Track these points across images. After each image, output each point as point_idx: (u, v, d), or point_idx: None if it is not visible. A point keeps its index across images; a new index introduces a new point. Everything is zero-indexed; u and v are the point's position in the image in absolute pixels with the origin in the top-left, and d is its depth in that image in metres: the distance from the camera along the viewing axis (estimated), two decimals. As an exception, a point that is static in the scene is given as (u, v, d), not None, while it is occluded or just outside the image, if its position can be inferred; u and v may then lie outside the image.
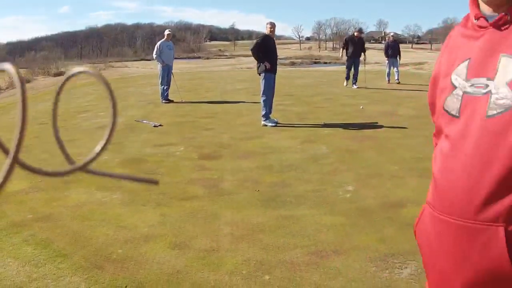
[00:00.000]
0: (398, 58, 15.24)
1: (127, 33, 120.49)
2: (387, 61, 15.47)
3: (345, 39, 14.75)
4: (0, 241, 3.62)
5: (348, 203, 4.47)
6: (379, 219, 4.06)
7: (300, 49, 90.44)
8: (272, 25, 8.03)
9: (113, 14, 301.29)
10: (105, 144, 0.49)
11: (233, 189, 4.80)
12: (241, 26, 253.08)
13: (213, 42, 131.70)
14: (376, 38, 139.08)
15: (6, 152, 0.43)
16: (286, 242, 3.56)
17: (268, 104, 7.96)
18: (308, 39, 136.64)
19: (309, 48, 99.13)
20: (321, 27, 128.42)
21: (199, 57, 74.58)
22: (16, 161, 0.42)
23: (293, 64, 46.06)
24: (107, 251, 3.40)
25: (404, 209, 4.21)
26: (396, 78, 15.16)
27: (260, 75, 7.96)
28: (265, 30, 8.03)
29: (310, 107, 10.22)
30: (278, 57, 8.28)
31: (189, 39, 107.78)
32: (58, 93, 0.54)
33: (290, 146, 6.58)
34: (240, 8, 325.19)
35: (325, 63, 72.06)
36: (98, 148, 0.49)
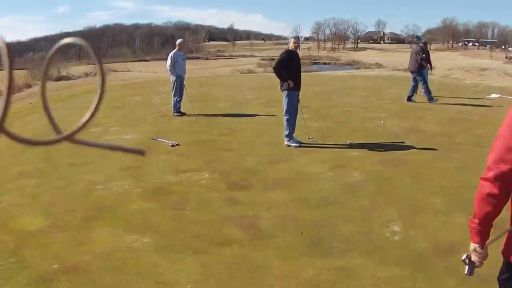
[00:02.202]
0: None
1: (125, 34, 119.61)
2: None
3: (421, 48, 12.25)
4: (28, 303, 3.23)
5: (399, 247, 4.14)
6: (436, 270, 3.78)
7: (299, 50, 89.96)
8: (296, 40, 7.67)
9: (111, 14, 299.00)
10: (91, 116, 0.49)
11: (273, 230, 4.42)
12: (240, 26, 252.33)
13: (211, 43, 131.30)
14: (374, 38, 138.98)
15: None
16: (347, 303, 3.21)
17: (291, 123, 7.59)
18: (307, 39, 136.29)
19: (308, 49, 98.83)
20: (320, 27, 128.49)
21: (197, 58, 74.06)
22: (1, 129, 0.43)
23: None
24: (150, 319, 3.02)
25: (458, 255, 3.88)
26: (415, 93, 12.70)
27: (282, 92, 7.60)
28: (289, 45, 7.66)
29: (330, 122, 9.83)
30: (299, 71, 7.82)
31: (187, 39, 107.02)
32: (47, 66, 0.54)
33: (321, 172, 6.20)
34: (239, 8, 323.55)
35: (325, 63, 72.28)
36: (84, 118, 0.49)
